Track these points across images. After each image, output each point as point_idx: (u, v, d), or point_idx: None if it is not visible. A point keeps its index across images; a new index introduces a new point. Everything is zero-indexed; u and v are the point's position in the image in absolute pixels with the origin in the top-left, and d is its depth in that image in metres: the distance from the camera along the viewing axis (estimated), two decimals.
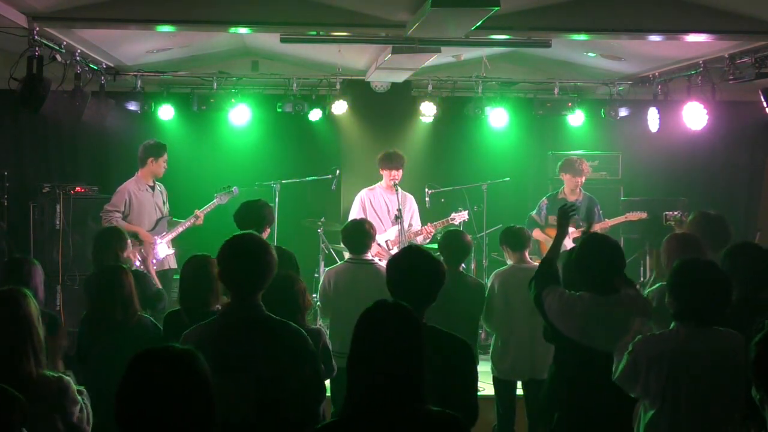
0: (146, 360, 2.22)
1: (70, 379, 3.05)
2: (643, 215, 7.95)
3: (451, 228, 6.06)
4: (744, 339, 3.42)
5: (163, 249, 7.32)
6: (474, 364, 3.48)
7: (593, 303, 3.97)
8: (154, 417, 2.13)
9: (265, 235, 5.49)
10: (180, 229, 7.38)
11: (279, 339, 3.23)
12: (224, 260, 3.32)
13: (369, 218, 7.11)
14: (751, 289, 3.91)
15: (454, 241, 5.53)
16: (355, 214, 7.51)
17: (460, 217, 7.72)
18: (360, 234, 5.68)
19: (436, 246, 6.02)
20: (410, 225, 7.57)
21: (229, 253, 3.31)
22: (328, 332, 5.66)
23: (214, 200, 7.52)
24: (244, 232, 3.42)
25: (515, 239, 5.76)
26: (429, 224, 7.60)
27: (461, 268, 5.67)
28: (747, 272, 3.90)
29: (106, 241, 5.51)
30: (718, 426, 3.38)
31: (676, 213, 7.42)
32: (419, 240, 7.55)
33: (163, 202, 7.56)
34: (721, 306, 3.46)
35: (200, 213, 7.42)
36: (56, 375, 3.02)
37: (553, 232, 7.59)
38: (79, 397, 3.10)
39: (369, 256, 5.74)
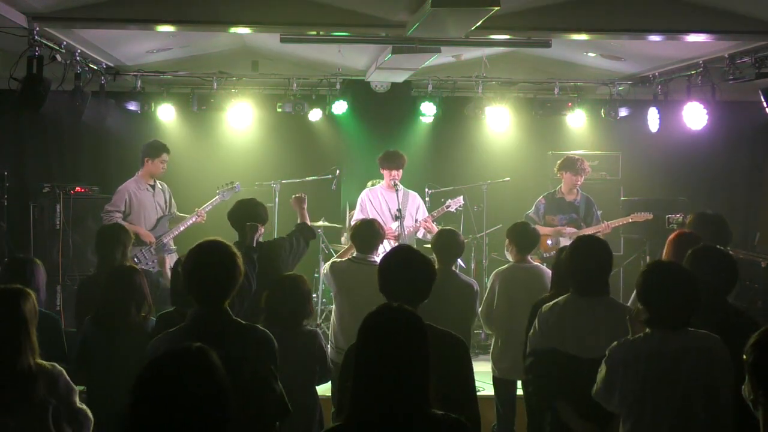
0: (163, 361, 2.23)
1: (62, 369, 3.10)
2: (649, 216, 7.91)
3: (446, 227, 6.05)
4: (719, 340, 3.42)
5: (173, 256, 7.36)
6: (470, 361, 3.49)
7: (573, 304, 4.01)
8: (172, 415, 2.13)
9: (259, 234, 5.49)
10: (182, 228, 7.38)
11: (249, 342, 3.22)
12: (191, 270, 3.26)
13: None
14: (716, 294, 3.88)
15: (447, 241, 5.52)
16: (357, 214, 7.52)
17: (455, 203, 7.73)
18: (370, 232, 5.66)
19: None
20: (416, 220, 7.59)
21: (195, 263, 3.27)
22: (330, 333, 5.67)
23: (216, 197, 7.53)
24: (210, 239, 3.35)
25: (525, 240, 5.66)
26: (426, 217, 7.60)
27: (459, 267, 5.66)
28: (711, 276, 3.87)
29: (110, 237, 5.47)
30: (699, 427, 3.36)
31: (678, 216, 7.43)
32: (420, 235, 7.56)
33: (166, 201, 7.55)
34: (691, 306, 3.44)
35: (201, 211, 7.42)
36: (50, 364, 3.09)
37: (550, 232, 7.66)
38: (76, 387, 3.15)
39: (374, 257, 5.71)
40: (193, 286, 3.27)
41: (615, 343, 3.53)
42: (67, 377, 3.14)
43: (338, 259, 5.82)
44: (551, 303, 4.11)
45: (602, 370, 3.48)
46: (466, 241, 6.30)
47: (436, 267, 4.92)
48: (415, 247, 4.41)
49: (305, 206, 5.94)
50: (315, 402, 4.56)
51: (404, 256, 3.58)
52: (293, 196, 6.06)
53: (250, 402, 3.09)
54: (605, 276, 4.11)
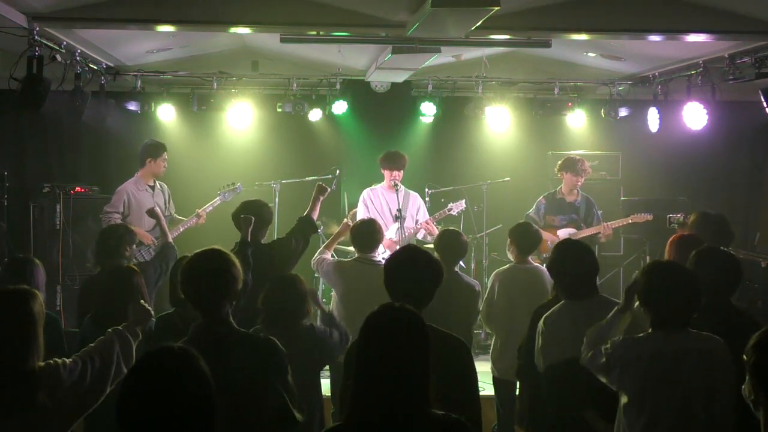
0: (148, 361, 2.23)
1: (57, 360, 3.10)
2: (649, 217, 7.89)
3: (448, 228, 6.05)
4: (722, 342, 3.41)
5: None
6: (472, 362, 3.49)
7: (567, 310, 4.03)
8: (157, 418, 2.13)
9: (262, 235, 5.49)
10: (181, 229, 7.36)
11: (252, 351, 3.22)
12: (187, 280, 3.26)
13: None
14: (718, 294, 3.88)
15: (450, 241, 5.52)
16: (360, 214, 7.53)
17: (457, 207, 7.72)
18: (369, 231, 5.67)
19: None
20: (417, 221, 7.60)
21: (190, 273, 3.27)
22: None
23: (217, 198, 7.51)
24: (205, 249, 3.35)
25: (527, 241, 5.66)
26: (427, 219, 7.60)
27: (459, 267, 5.66)
28: (715, 277, 3.88)
29: (112, 238, 5.46)
30: (699, 428, 3.36)
31: (678, 215, 7.41)
32: (420, 236, 7.56)
33: (165, 202, 7.53)
34: (692, 306, 3.44)
35: (202, 212, 7.39)
36: (45, 363, 3.09)
37: (550, 232, 7.66)
38: (74, 360, 3.13)
39: (377, 255, 5.71)
40: (191, 294, 3.27)
41: (618, 337, 3.53)
42: (67, 363, 3.13)
43: (342, 260, 5.83)
44: (548, 314, 4.13)
45: (602, 357, 3.47)
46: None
47: None
48: None
49: (322, 199, 5.92)
50: (316, 400, 4.55)
51: (411, 255, 3.57)
52: (319, 183, 6.04)
53: (249, 411, 3.09)
54: (593, 278, 4.18)
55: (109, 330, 3.36)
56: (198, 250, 3.35)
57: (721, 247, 4.31)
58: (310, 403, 4.46)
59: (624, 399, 3.47)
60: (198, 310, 3.26)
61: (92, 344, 3.28)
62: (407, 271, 3.45)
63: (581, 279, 4.10)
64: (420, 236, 7.58)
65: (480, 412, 3.35)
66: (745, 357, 2.76)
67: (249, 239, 5.16)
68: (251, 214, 5.37)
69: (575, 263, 4.12)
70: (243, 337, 3.27)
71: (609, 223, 7.81)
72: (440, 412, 2.50)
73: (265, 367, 3.23)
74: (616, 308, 3.62)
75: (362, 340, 2.56)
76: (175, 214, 7.59)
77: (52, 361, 3.09)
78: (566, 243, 4.48)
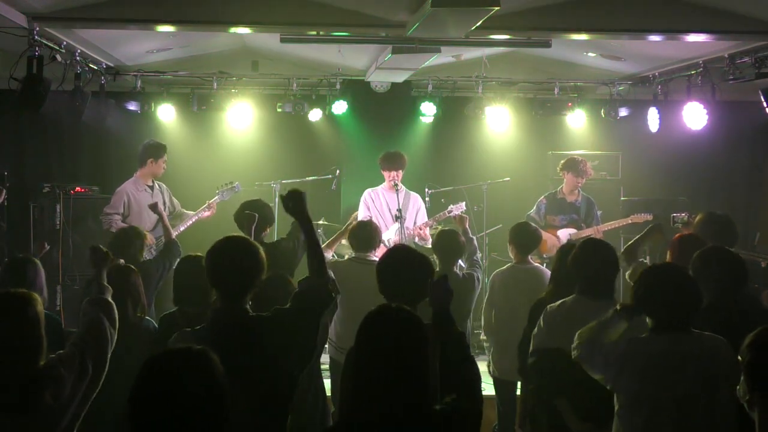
0: (163, 360, 2.24)
1: (53, 357, 3.11)
2: (649, 217, 7.88)
3: (446, 228, 6.06)
4: (725, 342, 3.40)
5: None
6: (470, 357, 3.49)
7: (580, 305, 4.01)
8: (170, 417, 2.13)
9: (264, 235, 5.50)
10: (181, 228, 7.35)
11: (271, 336, 3.23)
12: (217, 267, 3.30)
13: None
14: (721, 294, 3.88)
15: (447, 241, 5.53)
16: (361, 214, 7.54)
17: (457, 209, 7.72)
18: (367, 231, 5.69)
19: None
20: (415, 223, 7.60)
21: (221, 260, 3.30)
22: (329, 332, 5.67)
23: (216, 197, 7.51)
24: (231, 235, 3.42)
25: (524, 240, 5.67)
26: (426, 221, 7.58)
27: (460, 268, 5.67)
28: (719, 277, 3.88)
29: (126, 241, 5.47)
30: (699, 428, 3.36)
31: (683, 214, 7.40)
32: (417, 240, 7.56)
33: (164, 202, 7.53)
34: (691, 307, 3.43)
35: (201, 211, 7.37)
36: (44, 361, 3.10)
37: (551, 232, 7.66)
38: (70, 351, 3.15)
39: (374, 256, 5.72)
40: (218, 281, 3.29)
41: (624, 337, 3.53)
42: (63, 357, 3.14)
43: (339, 260, 5.83)
44: (558, 302, 4.12)
45: (600, 355, 3.46)
46: None
47: (437, 268, 4.92)
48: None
49: None
50: (317, 387, 4.53)
51: (402, 255, 3.60)
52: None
53: (282, 392, 3.17)
54: (612, 278, 4.15)
55: (86, 303, 3.37)
56: (226, 237, 3.39)
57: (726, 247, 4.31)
58: (314, 396, 4.45)
59: (621, 400, 3.45)
60: (220, 294, 3.27)
61: (81, 327, 3.29)
62: (399, 271, 3.49)
63: (597, 277, 4.07)
64: (417, 239, 7.58)
65: (480, 407, 3.34)
66: (740, 357, 2.76)
67: (253, 238, 5.16)
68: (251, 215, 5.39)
69: (595, 261, 4.09)
70: (262, 318, 3.28)
71: (604, 225, 7.81)
72: (439, 407, 2.51)
73: (287, 344, 3.24)
74: (613, 310, 3.59)
75: (360, 341, 2.57)
76: (182, 209, 7.60)
77: (51, 359, 3.10)
78: (593, 240, 4.58)
